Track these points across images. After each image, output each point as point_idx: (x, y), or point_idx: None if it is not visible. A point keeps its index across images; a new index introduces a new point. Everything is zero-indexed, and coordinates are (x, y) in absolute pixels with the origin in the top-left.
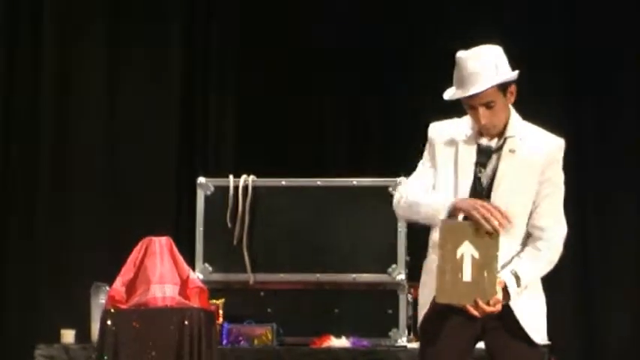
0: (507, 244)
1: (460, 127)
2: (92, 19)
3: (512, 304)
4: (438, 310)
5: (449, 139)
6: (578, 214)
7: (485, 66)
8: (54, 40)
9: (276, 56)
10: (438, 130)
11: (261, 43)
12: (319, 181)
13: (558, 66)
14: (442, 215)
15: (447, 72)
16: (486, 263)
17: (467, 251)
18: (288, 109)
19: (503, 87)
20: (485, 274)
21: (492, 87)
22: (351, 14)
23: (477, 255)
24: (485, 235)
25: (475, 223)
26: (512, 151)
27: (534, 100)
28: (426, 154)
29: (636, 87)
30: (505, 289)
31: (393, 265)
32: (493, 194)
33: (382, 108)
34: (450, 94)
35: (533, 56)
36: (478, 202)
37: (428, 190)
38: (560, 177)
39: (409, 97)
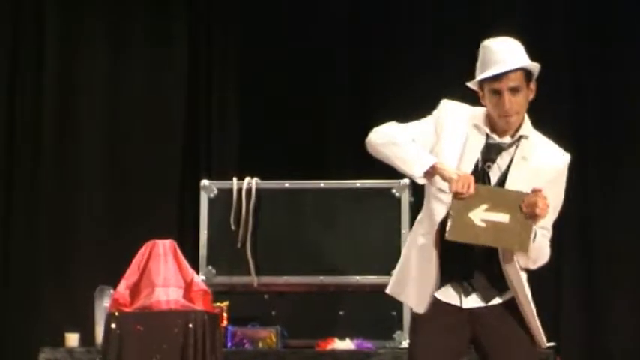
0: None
1: (474, 115)
2: (95, 18)
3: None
4: (432, 311)
5: (460, 122)
6: (584, 210)
7: (514, 50)
8: (57, 39)
9: (278, 56)
10: (452, 109)
11: (263, 44)
12: (322, 183)
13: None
14: (417, 169)
15: (455, 73)
16: (499, 198)
17: (481, 214)
18: (291, 111)
19: (528, 77)
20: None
21: (522, 69)
22: (354, 13)
23: (487, 206)
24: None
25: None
26: (524, 158)
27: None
28: (430, 121)
29: None
30: None
31: None
32: None
33: (386, 109)
34: (473, 81)
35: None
36: (464, 180)
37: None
38: (563, 187)
39: (412, 99)
